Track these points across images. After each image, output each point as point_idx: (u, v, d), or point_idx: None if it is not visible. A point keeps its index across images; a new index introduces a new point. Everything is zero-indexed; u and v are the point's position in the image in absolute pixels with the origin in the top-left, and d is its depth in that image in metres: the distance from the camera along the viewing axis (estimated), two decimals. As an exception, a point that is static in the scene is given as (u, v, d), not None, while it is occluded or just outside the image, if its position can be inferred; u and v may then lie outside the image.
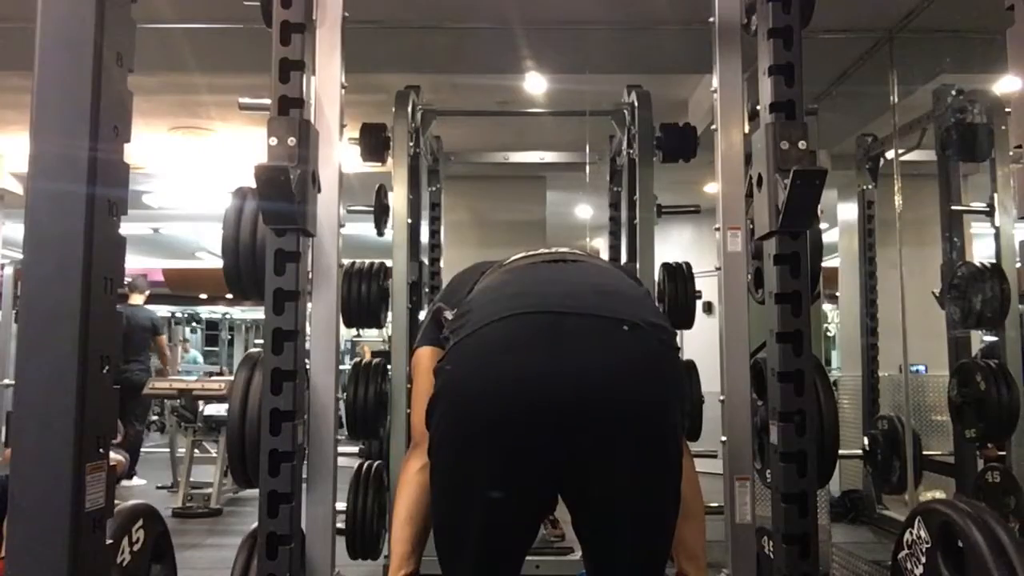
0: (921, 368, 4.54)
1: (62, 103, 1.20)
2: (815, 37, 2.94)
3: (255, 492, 1.78)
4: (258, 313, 13.21)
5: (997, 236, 3.77)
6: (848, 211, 5.13)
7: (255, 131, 2.15)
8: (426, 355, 1.62)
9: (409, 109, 3.49)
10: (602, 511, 1.36)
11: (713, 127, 2.11)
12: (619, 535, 1.35)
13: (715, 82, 2.11)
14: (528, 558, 1.45)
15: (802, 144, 1.74)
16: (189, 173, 6.55)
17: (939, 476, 4.19)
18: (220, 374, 10.01)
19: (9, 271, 6.63)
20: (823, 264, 2.34)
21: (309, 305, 1.95)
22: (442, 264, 4.50)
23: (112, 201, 1.23)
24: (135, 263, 11.91)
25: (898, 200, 3.87)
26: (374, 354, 6.48)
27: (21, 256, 1.27)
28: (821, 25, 2.08)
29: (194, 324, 15.79)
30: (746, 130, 2.08)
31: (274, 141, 1.73)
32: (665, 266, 3.43)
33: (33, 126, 1.20)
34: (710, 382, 2.14)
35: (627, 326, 1.31)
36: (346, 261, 2.66)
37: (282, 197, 1.68)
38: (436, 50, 4.07)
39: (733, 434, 2.02)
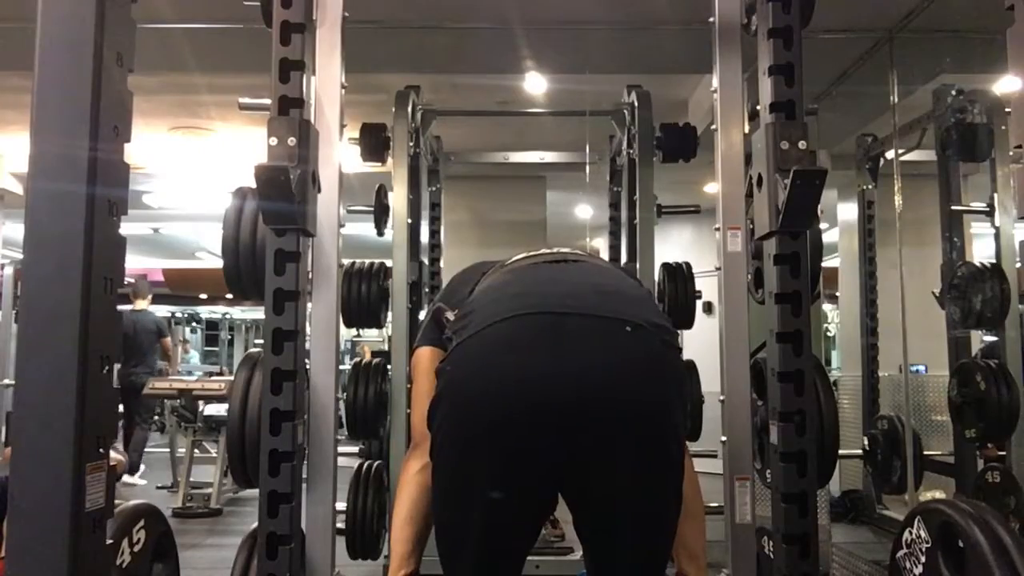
0: (921, 368, 4.55)
1: (62, 103, 1.20)
2: (815, 37, 2.94)
3: (255, 492, 1.78)
4: (258, 313, 13.21)
5: (997, 236, 3.77)
6: (848, 211, 5.13)
7: (255, 131, 2.15)
8: (426, 355, 1.62)
9: (409, 109, 3.49)
10: (603, 511, 1.36)
11: (713, 127, 2.11)
12: (620, 535, 1.35)
13: (715, 82, 2.11)
14: (528, 558, 1.45)
15: (802, 144, 1.74)
16: (189, 173, 6.55)
17: (939, 476, 4.19)
18: (220, 374, 10.02)
19: (9, 271, 6.63)
20: (823, 264, 2.34)
21: (309, 305, 1.95)
22: (442, 264, 4.50)
23: (112, 201, 1.23)
24: (135, 263, 11.91)
25: (898, 200, 3.87)
26: (374, 354, 6.49)
27: (21, 256, 1.27)
28: (821, 25, 2.08)
29: (194, 324, 15.80)
30: (746, 130, 2.08)
31: (274, 141, 1.73)
32: (665, 266, 3.43)
33: (33, 126, 1.20)
34: (710, 382, 2.14)
35: (629, 326, 1.31)
36: (346, 261, 2.66)
37: (282, 197, 1.68)
38: (436, 50, 4.07)
39: (733, 434, 2.02)
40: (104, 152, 1.21)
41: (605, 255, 4.46)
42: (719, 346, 2.09)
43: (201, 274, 11.84)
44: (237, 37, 3.54)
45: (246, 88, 2.21)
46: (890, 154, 4.22)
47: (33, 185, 1.20)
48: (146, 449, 7.02)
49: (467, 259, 1.86)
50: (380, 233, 3.64)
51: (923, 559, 1.65)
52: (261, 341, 1.92)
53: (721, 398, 2.06)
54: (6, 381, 5.99)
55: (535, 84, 4.49)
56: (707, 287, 3.16)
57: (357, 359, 4.23)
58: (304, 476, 1.89)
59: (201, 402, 5.68)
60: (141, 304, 6.84)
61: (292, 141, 1.73)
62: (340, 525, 2.59)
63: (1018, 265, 3.68)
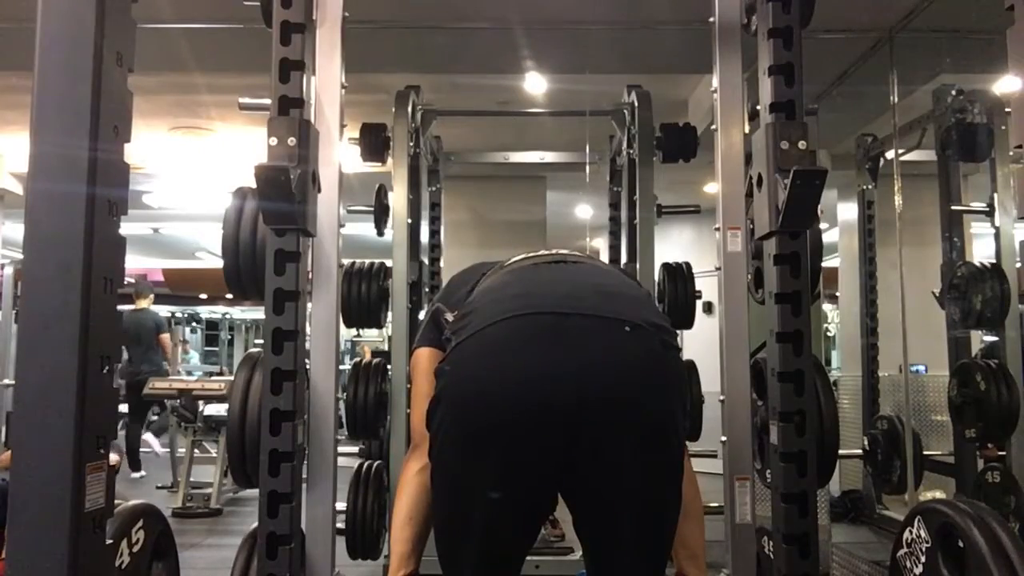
0: (921, 368, 4.54)
1: (62, 103, 1.20)
2: (815, 37, 2.93)
3: (255, 492, 1.78)
4: (258, 313, 13.21)
5: (997, 236, 3.77)
6: (848, 211, 5.13)
7: (255, 131, 2.15)
8: (425, 356, 1.62)
9: (409, 109, 3.49)
10: (603, 511, 1.36)
11: (713, 127, 2.11)
12: (620, 535, 1.35)
13: (715, 82, 2.11)
14: (528, 558, 1.45)
15: (802, 144, 1.74)
16: (189, 173, 6.56)
17: (939, 476, 4.18)
18: (220, 374, 10.02)
19: (9, 271, 6.64)
20: (823, 264, 2.34)
21: (309, 305, 1.95)
22: (442, 264, 4.51)
23: (112, 201, 1.23)
24: (135, 263, 11.91)
25: (898, 200, 3.87)
26: (374, 354, 6.49)
27: (21, 256, 1.27)
28: (821, 25, 2.08)
29: (194, 324, 15.80)
30: (746, 130, 2.08)
31: (274, 141, 1.73)
32: (665, 266, 3.44)
33: (33, 126, 1.20)
34: (710, 382, 2.14)
35: (629, 327, 1.31)
36: (346, 261, 2.66)
37: (282, 197, 1.68)
38: (436, 50, 4.07)
39: (733, 434, 2.02)
40: (104, 152, 1.21)
41: (605, 255, 4.46)
42: (719, 346, 2.09)
43: (201, 274, 11.84)
44: (237, 37, 3.54)
45: (246, 88, 2.21)
46: (890, 154, 4.22)
47: (33, 185, 1.20)
48: (146, 449, 7.05)
49: (467, 259, 1.86)
50: (380, 233, 3.64)
51: (923, 559, 1.65)
52: (261, 341, 1.92)
53: (721, 398, 2.06)
54: (6, 381, 5.99)
55: (535, 84, 4.49)
56: (707, 287, 3.16)
57: (357, 359, 4.23)
58: (304, 476, 1.89)
59: (201, 402, 5.68)
60: (143, 304, 7.00)
61: (292, 141, 1.73)
62: (340, 525, 2.59)
63: (1018, 265, 3.68)
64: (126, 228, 1.27)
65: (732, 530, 1.99)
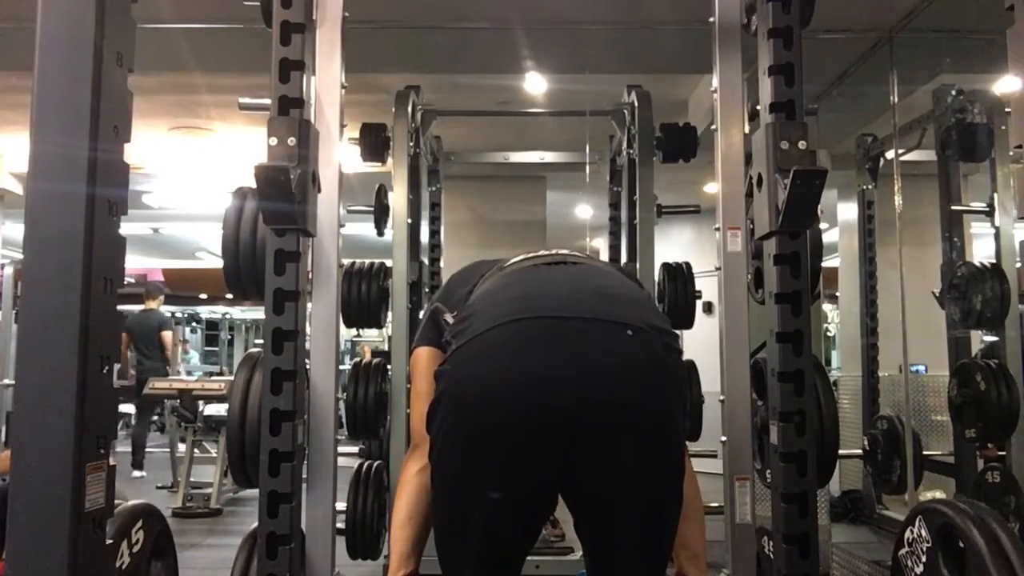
0: (921, 368, 4.54)
1: (62, 103, 1.20)
2: (815, 37, 2.93)
3: (255, 492, 1.78)
4: (258, 313, 13.21)
5: (997, 236, 3.77)
6: (848, 211, 5.13)
7: (255, 131, 2.15)
8: (424, 356, 1.62)
9: (409, 109, 3.49)
10: (604, 512, 1.35)
11: (713, 127, 2.11)
12: (621, 536, 1.35)
13: (715, 82, 2.11)
14: (528, 558, 1.45)
15: (802, 144, 1.74)
16: (189, 173, 6.56)
17: (939, 476, 4.19)
18: (220, 374, 10.02)
19: (9, 271, 6.65)
20: (823, 264, 2.34)
21: (309, 305, 1.95)
22: (442, 264, 4.50)
23: (112, 201, 1.23)
24: (135, 263, 11.91)
25: (898, 200, 3.87)
26: (374, 354, 6.50)
27: (21, 256, 1.27)
28: (821, 25, 2.08)
29: (194, 324, 15.80)
30: (746, 130, 2.08)
31: (274, 141, 1.73)
32: (665, 266, 3.43)
33: (33, 126, 1.20)
34: (710, 382, 2.14)
35: (631, 330, 1.30)
36: (346, 261, 2.66)
37: (282, 197, 1.68)
38: (436, 50, 4.08)
39: (733, 434, 2.02)
40: (104, 152, 1.21)
41: (605, 255, 4.46)
42: (719, 346, 2.09)
43: (201, 274, 11.84)
44: (237, 37, 3.54)
45: (246, 88, 2.21)
46: (890, 154, 4.22)
47: (33, 185, 1.20)
48: (147, 449, 7.08)
49: (467, 259, 1.86)
50: (380, 233, 3.64)
51: (924, 558, 1.65)
52: (261, 341, 1.92)
53: (721, 398, 2.06)
54: (6, 381, 5.99)
55: (535, 84, 4.49)
56: (707, 287, 3.16)
57: (357, 359, 4.23)
58: (304, 476, 1.89)
59: (201, 402, 5.68)
60: (151, 305, 7.29)
61: (292, 141, 1.73)
62: (340, 525, 2.59)
63: (1018, 265, 3.68)
64: (126, 228, 1.27)
65: (732, 530, 1.99)
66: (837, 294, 5.87)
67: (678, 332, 3.16)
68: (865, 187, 4.74)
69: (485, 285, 1.53)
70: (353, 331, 3.62)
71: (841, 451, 2.07)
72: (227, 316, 15.77)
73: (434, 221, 4.52)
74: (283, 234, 1.79)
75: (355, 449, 3.94)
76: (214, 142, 5.76)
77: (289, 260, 1.79)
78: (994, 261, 3.70)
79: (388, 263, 3.37)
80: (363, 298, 3.30)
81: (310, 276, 1.95)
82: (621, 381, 1.28)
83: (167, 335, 7.31)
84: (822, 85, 4.10)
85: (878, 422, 4.29)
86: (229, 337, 16.29)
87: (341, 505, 2.45)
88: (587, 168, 4.53)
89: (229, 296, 11.10)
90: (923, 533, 1.65)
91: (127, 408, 9.74)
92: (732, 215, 2.06)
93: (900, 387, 4.17)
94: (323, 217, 1.92)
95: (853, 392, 4.86)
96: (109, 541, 1.27)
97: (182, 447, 5.83)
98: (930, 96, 4.02)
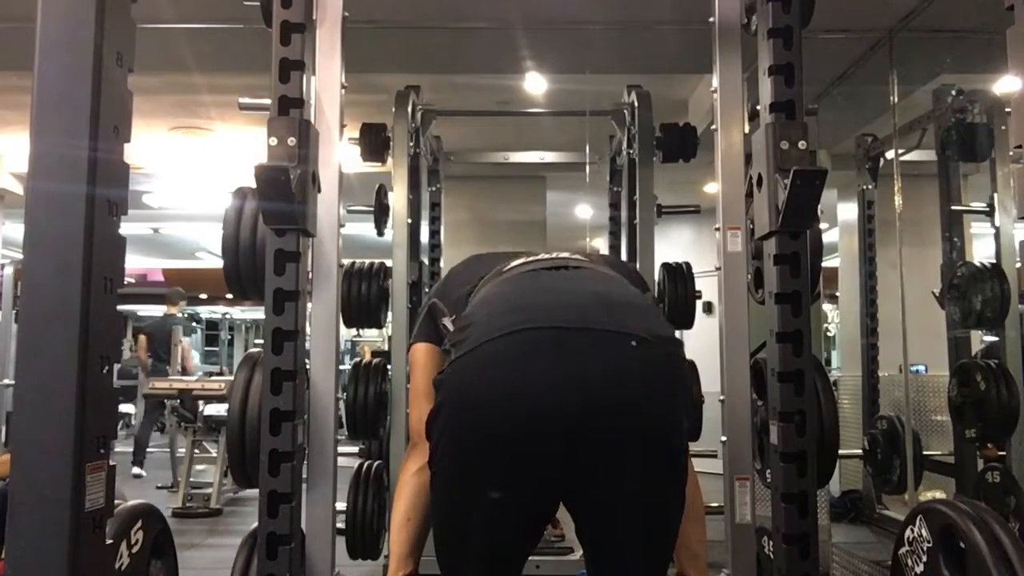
0: (921, 368, 4.55)
1: (62, 103, 1.20)
2: (815, 37, 2.93)
3: (255, 492, 1.77)
4: (258, 313, 13.21)
5: (997, 236, 3.77)
6: (848, 211, 5.13)
7: (255, 131, 2.15)
8: (422, 353, 1.60)
9: (409, 109, 3.50)
10: (606, 519, 1.34)
11: (713, 127, 2.11)
12: (623, 541, 1.34)
13: (715, 82, 2.11)
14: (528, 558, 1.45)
15: (802, 144, 1.74)
16: (189, 173, 6.56)
17: (939, 476, 4.19)
18: (220, 374, 10.03)
19: (9, 271, 6.66)
20: (823, 264, 2.34)
21: (309, 305, 1.94)
22: (442, 264, 4.50)
23: (112, 201, 1.23)
24: (135, 263, 11.92)
25: (898, 200, 3.87)
26: (374, 354, 6.50)
27: (21, 256, 1.27)
28: (821, 25, 2.08)
29: (194, 324, 15.80)
30: (746, 130, 2.08)
31: (274, 141, 1.73)
32: (665, 266, 3.43)
33: (33, 126, 1.20)
34: (710, 382, 2.14)
35: (634, 340, 1.28)
36: (346, 261, 2.66)
37: (282, 197, 1.68)
38: (436, 50, 4.08)
39: (733, 434, 2.02)
40: (104, 152, 1.21)
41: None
42: (719, 346, 2.09)
43: (201, 274, 11.84)
44: (237, 37, 3.54)
45: (246, 88, 2.21)
46: (890, 154, 4.23)
47: (33, 185, 1.20)
48: (147, 449, 7.11)
49: (467, 259, 1.85)
50: (380, 233, 3.65)
51: (924, 558, 1.65)
52: (261, 341, 1.92)
53: (721, 398, 2.06)
54: (6, 381, 5.99)
55: (535, 84, 4.49)
56: (707, 287, 3.16)
57: (357, 359, 4.23)
58: (304, 476, 1.89)
59: (201, 402, 5.68)
60: (172, 310, 7.73)
61: (292, 141, 1.73)
62: (340, 525, 2.59)
63: (1018, 265, 3.69)
64: (126, 228, 1.27)
65: (732, 530, 1.99)
66: (837, 294, 5.87)
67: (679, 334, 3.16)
68: (865, 187, 4.74)
69: (484, 291, 1.50)
70: (353, 331, 3.62)
71: (841, 451, 2.07)
72: (227, 316, 15.77)
73: (434, 221, 4.52)
74: (283, 234, 1.78)
75: (355, 449, 3.94)
76: (214, 142, 5.76)
77: (289, 260, 1.78)
78: (994, 261, 3.71)
79: (388, 263, 3.37)
80: (363, 298, 3.30)
81: (310, 276, 1.95)
82: (623, 391, 1.26)
83: (185, 340, 7.63)
84: (822, 85, 4.11)
85: (878, 422, 4.29)
86: (229, 337, 16.30)
87: (341, 505, 2.45)
88: (587, 168, 4.53)
89: (229, 296, 11.10)
90: (924, 533, 1.65)
91: (127, 408, 9.78)
92: (732, 215, 2.06)
93: (900, 387, 4.17)
94: (323, 217, 1.92)
95: (853, 392, 4.86)
96: (109, 541, 1.27)
97: (182, 448, 5.83)
98: (930, 96, 4.02)
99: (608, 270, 1.57)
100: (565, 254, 1.57)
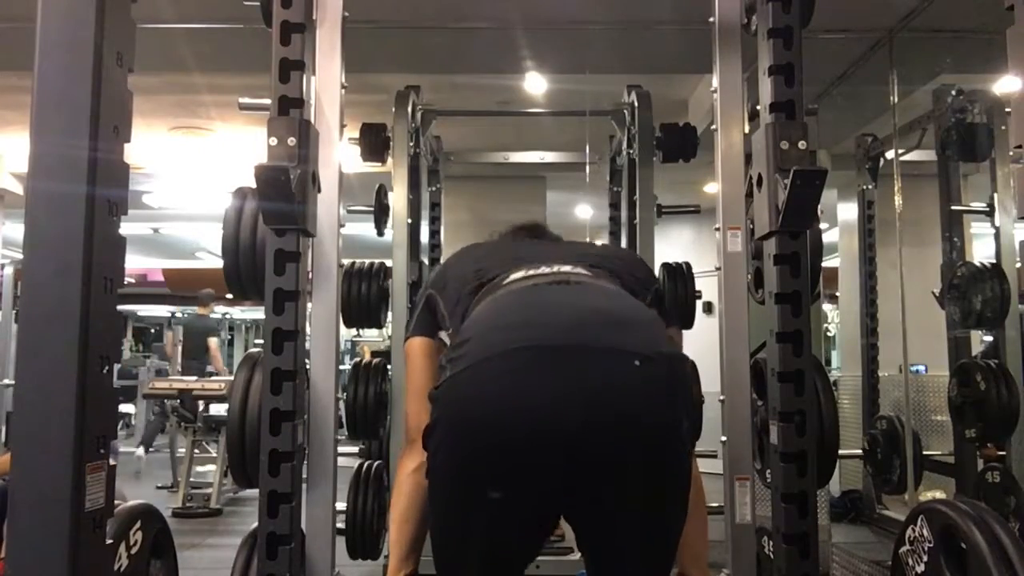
0: (921, 368, 4.55)
1: (62, 103, 1.20)
2: (815, 37, 2.93)
3: (255, 492, 1.78)
4: (258, 313, 13.22)
5: (997, 236, 3.77)
6: (848, 211, 5.13)
7: (255, 131, 2.15)
8: (419, 347, 1.58)
9: (409, 109, 3.49)
10: (607, 531, 1.31)
11: (713, 127, 2.11)
12: (624, 552, 1.32)
13: (715, 82, 2.11)
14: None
15: (802, 144, 1.74)
16: (189, 173, 6.56)
17: (939, 476, 4.19)
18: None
19: (9, 271, 6.66)
20: (823, 264, 2.34)
21: (309, 305, 1.94)
22: (442, 264, 4.50)
23: (112, 201, 1.23)
24: (135, 263, 11.92)
25: (898, 200, 3.87)
26: (374, 354, 6.51)
27: (21, 256, 1.27)
28: (821, 25, 2.08)
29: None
30: (746, 130, 2.08)
31: (274, 141, 1.73)
32: (665, 266, 3.43)
33: (33, 126, 1.20)
34: (710, 382, 2.14)
35: (638, 360, 1.24)
36: (346, 261, 2.66)
37: (282, 197, 1.68)
38: (436, 50, 4.08)
39: (733, 434, 2.02)
40: (104, 152, 1.21)
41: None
42: (719, 346, 2.09)
43: (201, 274, 11.83)
44: (237, 37, 3.54)
45: (246, 88, 2.21)
46: (890, 154, 4.23)
47: (33, 185, 1.20)
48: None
49: (467, 259, 1.84)
50: (380, 233, 3.64)
51: (925, 558, 1.65)
52: (261, 341, 1.92)
53: (721, 398, 2.06)
54: (6, 381, 6.00)
55: (535, 84, 4.49)
56: (707, 287, 3.16)
57: (357, 359, 4.23)
58: (304, 476, 1.89)
59: (201, 402, 5.69)
60: (204, 312, 8.08)
61: (292, 141, 1.73)
62: (340, 525, 2.59)
63: (1018, 265, 3.69)
64: (126, 228, 1.27)
65: (732, 530, 1.99)
66: (837, 294, 5.87)
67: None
68: (865, 187, 4.74)
69: (483, 306, 1.45)
70: (353, 331, 3.62)
71: (841, 451, 2.07)
72: (227, 316, 15.77)
73: (434, 221, 4.52)
74: (283, 234, 1.78)
75: (355, 449, 3.94)
76: (214, 142, 5.76)
77: (289, 260, 1.79)
78: (994, 261, 3.71)
79: (388, 263, 3.37)
80: (363, 298, 3.30)
81: (310, 276, 1.95)
82: (624, 405, 1.23)
83: (213, 343, 7.81)
84: (822, 85, 4.11)
85: (878, 422, 4.29)
86: (229, 337, 16.29)
87: (341, 505, 2.45)
88: (587, 168, 4.53)
89: (229, 296, 11.12)
90: (925, 533, 1.65)
91: (127, 408, 9.79)
92: (732, 215, 2.06)
93: (900, 387, 4.17)
94: (323, 217, 1.92)
95: (853, 392, 4.86)
96: (108, 542, 1.27)
97: (182, 448, 5.83)
98: (930, 96, 4.02)
99: (609, 284, 1.51)
100: (567, 268, 1.51)
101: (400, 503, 1.54)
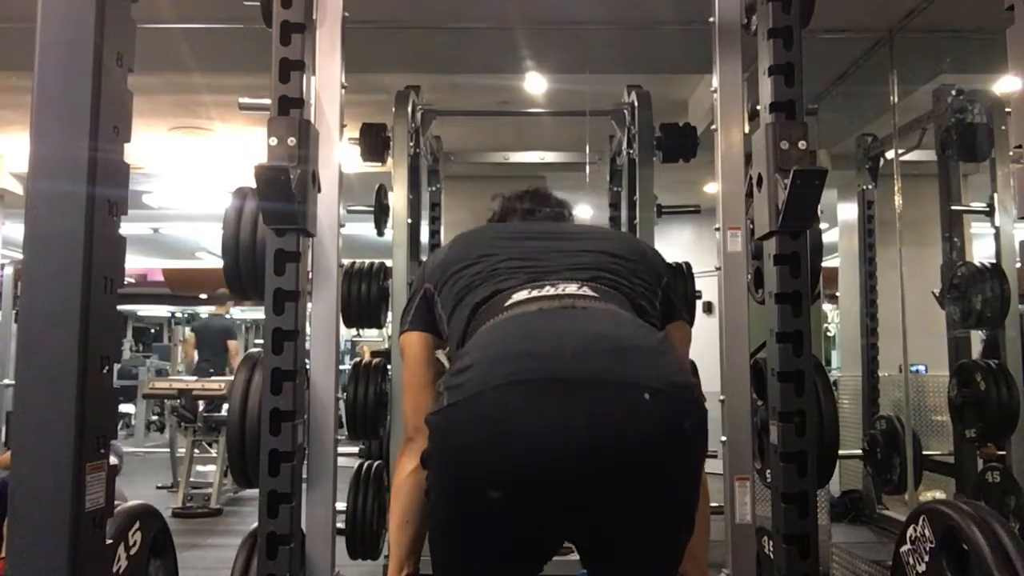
0: (921, 368, 4.55)
1: (62, 103, 1.20)
2: (815, 37, 2.93)
3: (255, 492, 1.78)
4: (258, 313, 13.20)
5: (997, 236, 3.77)
6: (848, 211, 5.13)
7: (255, 131, 2.15)
8: (417, 342, 1.54)
9: (409, 109, 3.49)
10: (608, 557, 1.31)
11: (713, 127, 2.11)
12: (626, 570, 1.32)
13: (715, 82, 2.11)
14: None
15: (802, 144, 1.74)
16: (189, 173, 6.56)
17: (939, 476, 4.19)
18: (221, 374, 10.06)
19: (9, 271, 6.66)
20: (823, 264, 2.34)
21: (309, 305, 1.94)
22: (442, 264, 4.49)
23: (112, 201, 1.23)
24: (135, 263, 11.92)
25: (898, 200, 3.87)
26: (374, 354, 6.51)
27: (21, 256, 1.27)
28: (821, 25, 2.08)
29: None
30: (746, 130, 2.08)
31: (274, 141, 1.73)
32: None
33: (33, 126, 1.20)
34: (710, 382, 2.13)
35: (648, 393, 1.19)
36: (346, 261, 2.66)
37: (282, 197, 1.68)
38: (436, 50, 4.08)
39: (733, 434, 2.02)
40: (104, 152, 1.21)
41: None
42: (719, 346, 2.09)
43: (201, 274, 11.84)
44: (237, 37, 3.54)
45: (246, 88, 2.21)
46: (890, 154, 4.23)
47: (33, 185, 1.20)
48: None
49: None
50: (380, 233, 3.65)
51: (926, 558, 1.65)
52: (261, 341, 1.92)
53: (721, 398, 2.06)
54: (6, 381, 5.99)
55: (535, 84, 4.49)
56: (707, 287, 3.16)
57: (357, 359, 4.23)
58: (304, 476, 1.89)
59: (201, 402, 5.68)
60: (220, 311, 8.03)
61: (292, 141, 1.73)
62: (340, 525, 2.59)
63: (1018, 265, 3.69)
64: (126, 228, 1.27)
65: (732, 530, 1.99)
66: (837, 294, 5.87)
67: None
68: (865, 187, 4.74)
69: (484, 330, 1.39)
70: (353, 331, 3.62)
71: (841, 451, 2.07)
72: (227, 316, 15.75)
73: (434, 221, 4.53)
74: (283, 234, 1.79)
75: (355, 449, 3.94)
76: (214, 142, 5.76)
77: (289, 260, 1.79)
78: (994, 261, 3.71)
79: (388, 263, 3.37)
80: (363, 298, 3.30)
81: (310, 276, 1.95)
82: (634, 448, 1.18)
83: (233, 344, 7.76)
84: (822, 85, 4.11)
85: (878, 422, 4.29)
86: (229, 337, 16.25)
87: (341, 505, 2.45)
88: (587, 168, 4.52)
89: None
90: (926, 533, 1.66)
91: (127, 408, 9.79)
92: (732, 215, 2.06)
93: (900, 387, 4.17)
94: (323, 217, 1.92)
95: (853, 392, 4.86)
96: (108, 542, 1.27)
97: (182, 448, 5.83)
98: (930, 96, 4.02)
99: (617, 306, 1.44)
100: (572, 288, 1.44)
101: (399, 504, 1.53)
